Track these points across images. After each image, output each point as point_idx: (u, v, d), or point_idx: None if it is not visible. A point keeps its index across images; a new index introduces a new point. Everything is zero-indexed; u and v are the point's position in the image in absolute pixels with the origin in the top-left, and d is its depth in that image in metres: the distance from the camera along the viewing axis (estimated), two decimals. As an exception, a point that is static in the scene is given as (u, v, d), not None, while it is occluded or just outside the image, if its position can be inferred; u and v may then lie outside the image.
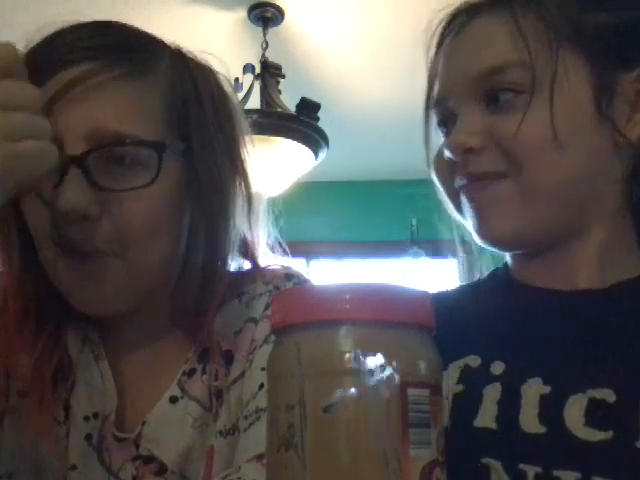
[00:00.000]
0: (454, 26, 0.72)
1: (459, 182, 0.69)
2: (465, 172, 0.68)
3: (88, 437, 0.69)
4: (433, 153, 0.74)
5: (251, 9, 2.68)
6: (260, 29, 2.72)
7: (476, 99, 0.67)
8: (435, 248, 4.29)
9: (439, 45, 0.73)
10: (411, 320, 0.35)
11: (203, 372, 0.70)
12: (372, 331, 0.33)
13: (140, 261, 0.65)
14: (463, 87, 0.68)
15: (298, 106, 2.43)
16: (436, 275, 4.27)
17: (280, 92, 2.58)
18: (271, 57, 2.64)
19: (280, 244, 0.81)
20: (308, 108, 2.43)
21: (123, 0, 2.50)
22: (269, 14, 2.68)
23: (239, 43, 2.87)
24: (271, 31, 2.73)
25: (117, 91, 0.63)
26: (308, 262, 4.19)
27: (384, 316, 0.34)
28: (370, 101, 3.40)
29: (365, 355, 0.32)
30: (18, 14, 2.67)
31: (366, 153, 3.99)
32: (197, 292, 0.69)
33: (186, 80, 0.69)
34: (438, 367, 0.35)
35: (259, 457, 0.59)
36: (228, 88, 0.74)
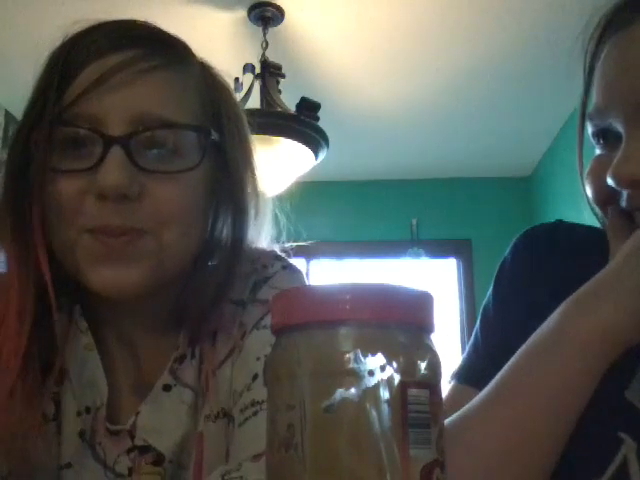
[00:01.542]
0: (618, 22, 0.62)
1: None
2: (633, 206, 0.59)
3: (81, 433, 0.69)
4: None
5: (251, 9, 2.68)
6: (260, 29, 2.72)
7: None
8: (435, 248, 4.30)
9: (599, 42, 0.64)
10: (411, 320, 0.35)
11: (192, 356, 0.70)
12: (372, 331, 0.33)
13: (173, 244, 0.65)
14: (631, 105, 0.58)
15: (298, 106, 2.43)
16: (436, 275, 4.28)
17: (280, 92, 2.58)
18: (271, 57, 2.65)
19: (284, 244, 0.81)
20: (308, 108, 2.43)
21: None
22: (269, 14, 2.68)
23: (239, 43, 2.87)
24: (271, 31, 2.74)
25: (159, 79, 0.65)
26: (308, 262, 4.19)
27: (384, 316, 0.34)
28: (370, 101, 3.40)
29: (365, 355, 0.32)
30: (18, 14, 2.66)
31: (366, 153, 4.00)
32: (216, 286, 0.69)
33: (211, 79, 0.73)
34: (438, 367, 0.35)
35: (258, 456, 0.59)
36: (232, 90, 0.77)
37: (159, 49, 0.67)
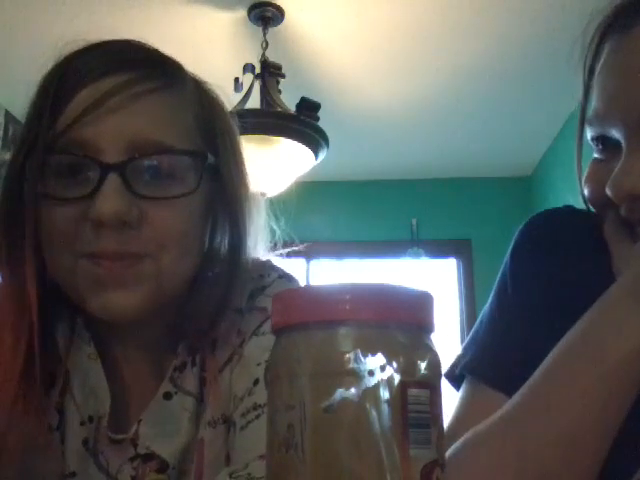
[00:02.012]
0: (619, 25, 0.61)
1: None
2: (632, 218, 0.59)
3: (85, 442, 0.69)
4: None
5: (251, 9, 2.68)
6: (260, 29, 2.72)
7: None
8: (435, 248, 4.30)
9: (599, 44, 0.63)
10: (411, 320, 0.35)
11: (193, 364, 0.71)
12: (372, 331, 0.33)
13: (172, 267, 0.65)
14: (632, 119, 0.57)
15: (298, 106, 2.43)
16: (436, 275, 4.28)
17: (280, 92, 2.58)
18: (271, 57, 2.65)
19: (285, 244, 0.82)
20: (308, 108, 2.43)
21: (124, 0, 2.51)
22: (269, 14, 2.68)
23: (239, 43, 2.87)
24: (271, 31, 2.74)
25: (154, 103, 0.65)
26: (308, 262, 4.19)
27: (384, 316, 0.34)
28: (370, 101, 3.40)
29: (365, 355, 0.32)
30: (18, 14, 2.66)
31: (366, 153, 4.00)
32: (216, 300, 0.69)
33: (205, 97, 0.72)
34: (438, 367, 0.35)
35: (264, 457, 0.59)
36: (224, 103, 0.76)
37: (154, 71, 0.66)
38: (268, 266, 0.76)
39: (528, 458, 0.55)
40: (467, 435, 0.60)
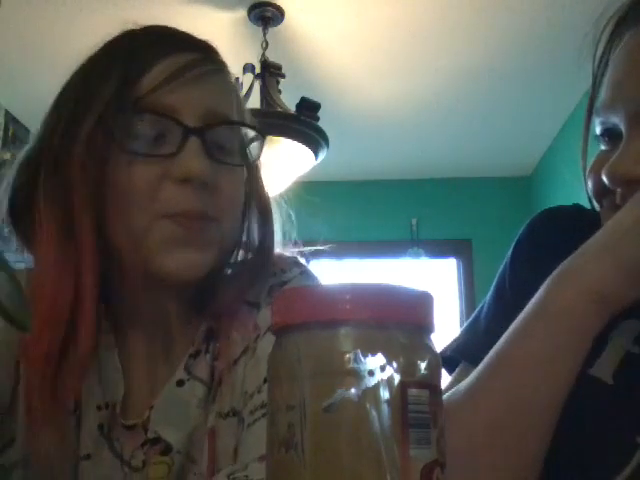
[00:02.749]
0: (631, 20, 0.62)
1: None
2: (625, 203, 0.58)
3: (100, 427, 0.71)
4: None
5: (251, 9, 2.68)
6: (260, 29, 2.72)
7: None
8: (435, 248, 4.30)
9: (612, 37, 0.63)
10: (411, 320, 0.35)
11: (206, 351, 0.72)
12: (372, 331, 0.33)
13: (230, 233, 0.71)
14: (632, 104, 0.58)
15: (298, 106, 2.43)
16: (436, 275, 4.28)
17: (280, 92, 2.58)
18: (271, 57, 2.65)
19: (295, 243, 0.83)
20: (308, 108, 2.43)
21: None
22: (269, 14, 2.68)
23: (239, 43, 2.87)
24: (271, 31, 2.74)
25: (220, 80, 0.72)
26: (308, 262, 4.19)
27: (384, 316, 0.34)
28: (370, 101, 3.40)
29: (365, 355, 0.32)
30: (18, 15, 2.66)
31: (366, 153, 4.00)
32: (241, 288, 0.72)
33: (233, 79, 0.78)
34: (438, 367, 0.35)
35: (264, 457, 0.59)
36: None
37: (213, 54, 0.73)
38: (292, 262, 0.77)
39: (480, 413, 0.56)
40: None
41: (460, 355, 0.71)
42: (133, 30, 0.73)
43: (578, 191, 0.71)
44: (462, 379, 0.68)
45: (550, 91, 3.22)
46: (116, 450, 0.70)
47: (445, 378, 0.71)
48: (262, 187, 0.77)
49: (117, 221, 0.66)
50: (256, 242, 0.75)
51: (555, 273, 0.58)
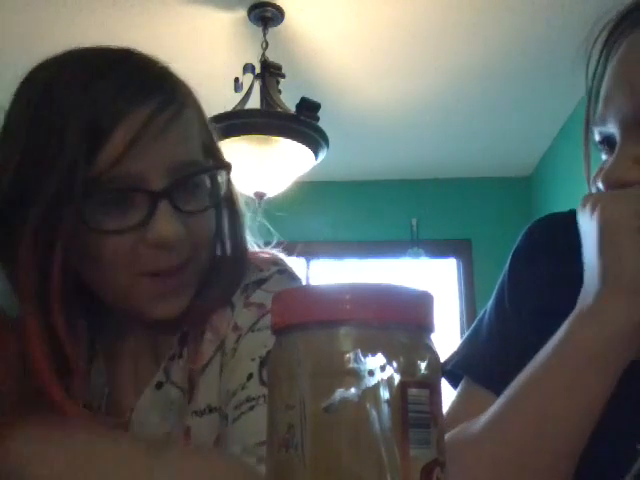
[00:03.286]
0: (618, 34, 0.64)
1: None
2: None
3: None
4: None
5: (251, 9, 2.68)
6: (260, 29, 2.72)
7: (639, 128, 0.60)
8: (435, 248, 4.30)
9: (602, 53, 0.66)
10: (411, 320, 0.35)
11: (180, 356, 0.73)
12: (372, 331, 0.33)
13: (205, 264, 0.72)
14: (624, 113, 0.61)
15: (298, 106, 2.43)
16: (436, 275, 4.28)
17: (280, 92, 2.58)
18: (271, 57, 2.65)
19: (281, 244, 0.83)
20: (308, 108, 2.43)
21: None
22: (269, 14, 2.68)
23: (239, 43, 2.87)
24: (271, 31, 2.74)
25: (182, 123, 0.67)
26: (308, 262, 4.19)
27: (384, 316, 0.34)
28: (370, 101, 3.40)
29: (365, 355, 0.32)
30: (18, 15, 2.66)
31: (366, 153, 4.00)
32: (221, 289, 0.74)
33: (197, 101, 0.73)
34: (438, 367, 0.35)
35: (262, 443, 0.59)
36: None
37: (172, 95, 0.67)
38: (270, 260, 0.77)
39: (523, 455, 0.57)
40: (455, 433, 0.62)
41: (462, 370, 0.72)
42: (84, 64, 0.67)
43: (578, 191, 0.71)
44: (469, 398, 0.69)
45: (550, 91, 3.22)
46: None
47: (445, 387, 0.71)
48: (231, 190, 0.76)
49: (99, 281, 0.69)
50: (229, 246, 0.76)
51: (576, 317, 0.59)
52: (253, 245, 0.80)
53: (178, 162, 0.66)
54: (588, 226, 0.60)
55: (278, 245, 0.84)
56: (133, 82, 0.66)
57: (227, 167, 0.74)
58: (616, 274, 0.57)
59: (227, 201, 0.76)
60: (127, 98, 0.64)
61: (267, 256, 0.79)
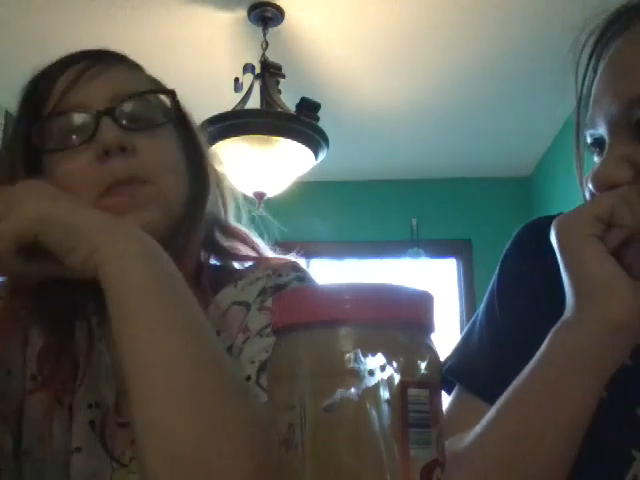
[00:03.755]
0: (607, 39, 0.65)
1: None
2: None
3: (91, 423, 0.72)
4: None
5: (251, 9, 2.68)
6: (260, 29, 2.72)
7: (628, 129, 0.61)
8: (435, 248, 4.30)
9: (591, 58, 0.67)
10: (411, 320, 0.35)
11: None
12: (372, 331, 0.33)
13: (168, 192, 0.72)
14: (611, 114, 0.62)
15: (298, 106, 2.43)
16: (436, 275, 4.28)
17: (280, 92, 2.58)
18: (271, 57, 2.65)
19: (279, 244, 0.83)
20: (308, 108, 2.43)
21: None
22: (269, 14, 2.68)
23: (239, 43, 2.87)
24: (271, 31, 2.73)
25: (121, 67, 0.77)
26: (308, 262, 4.19)
27: (384, 316, 0.34)
28: (370, 101, 3.40)
29: (365, 355, 0.33)
30: (18, 15, 2.66)
31: (366, 153, 4.00)
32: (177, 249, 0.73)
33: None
34: (438, 367, 0.35)
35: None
36: None
37: (112, 53, 0.78)
38: (290, 265, 0.77)
39: (494, 474, 0.57)
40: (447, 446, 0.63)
41: (454, 377, 0.72)
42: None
43: (578, 191, 0.71)
44: (462, 407, 0.70)
45: (550, 91, 3.22)
46: (107, 446, 0.72)
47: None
48: (196, 145, 0.79)
49: None
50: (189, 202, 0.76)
51: (561, 326, 0.59)
52: (259, 240, 0.81)
53: (122, 90, 0.73)
54: (553, 243, 0.60)
55: (277, 245, 0.84)
56: (82, 51, 0.77)
57: (170, 92, 0.77)
58: (580, 281, 0.57)
59: (180, 122, 0.78)
60: (71, 57, 0.76)
61: (287, 261, 0.79)
